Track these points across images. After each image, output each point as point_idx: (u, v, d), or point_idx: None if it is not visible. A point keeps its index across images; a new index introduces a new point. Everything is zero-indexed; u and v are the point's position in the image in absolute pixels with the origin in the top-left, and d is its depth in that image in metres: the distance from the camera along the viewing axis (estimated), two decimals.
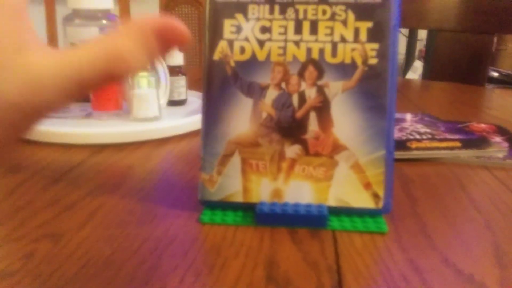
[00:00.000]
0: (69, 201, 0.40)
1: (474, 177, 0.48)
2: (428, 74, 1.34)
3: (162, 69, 0.68)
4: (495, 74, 1.64)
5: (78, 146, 0.55)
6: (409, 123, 0.63)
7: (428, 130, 0.59)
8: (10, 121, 0.22)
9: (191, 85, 0.77)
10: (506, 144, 0.57)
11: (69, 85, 0.23)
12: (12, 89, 0.22)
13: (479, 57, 1.14)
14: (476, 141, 0.56)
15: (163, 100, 0.67)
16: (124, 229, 0.35)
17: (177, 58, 0.71)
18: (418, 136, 0.57)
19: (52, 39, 1.41)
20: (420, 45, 2.57)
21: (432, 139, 0.56)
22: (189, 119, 0.61)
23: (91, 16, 0.69)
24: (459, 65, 1.17)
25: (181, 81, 0.71)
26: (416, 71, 2.22)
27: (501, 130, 0.63)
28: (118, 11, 1.44)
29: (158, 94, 0.62)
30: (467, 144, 0.54)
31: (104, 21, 0.70)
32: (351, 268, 0.31)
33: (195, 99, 0.75)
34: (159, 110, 0.62)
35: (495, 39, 1.13)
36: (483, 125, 0.65)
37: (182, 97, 0.71)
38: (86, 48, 0.23)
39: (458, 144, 0.54)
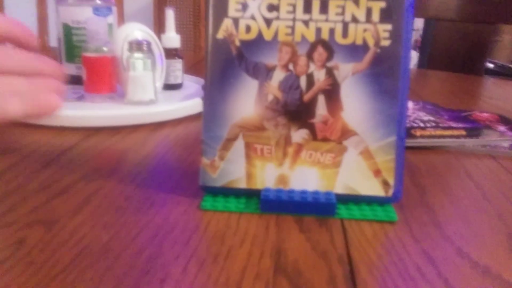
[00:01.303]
0: (62, 185, 0.38)
1: (480, 166, 0.47)
2: (425, 64, 1.33)
3: (158, 51, 0.65)
4: (491, 66, 1.63)
5: (71, 129, 0.52)
6: (412, 111, 0.62)
7: (431, 118, 0.58)
8: None
9: (187, 70, 0.75)
10: (510, 133, 0.55)
11: None
12: None
13: (477, 48, 1.12)
14: (480, 130, 0.54)
15: (159, 84, 0.65)
16: (121, 216, 0.33)
17: (174, 40, 0.68)
18: (421, 124, 0.55)
19: (43, 21, 1.38)
20: (415, 35, 2.56)
21: (436, 127, 0.54)
22: (186, 103, 0.59)
23: None
24: (457, 55, 1.15)
25: (178, 64, 0.68)
26: (411, 61, 2.20)
27: (504, 120, 0.62)
28: None
29: (154, 77, 0.60)
30: (472, 132, 0.53)
31: (98, 1, 0.67)
32: (363, 259, 0.29)
33: (192, 84, 0.73)
34: (155, 94, 0.59)
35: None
36: (485, 114, 0.64)
37: (178, 81, 0.69)
38: None
39: (463, 132, 0.53)
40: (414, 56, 2.22)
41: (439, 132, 0.53)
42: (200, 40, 1.37)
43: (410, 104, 0.66)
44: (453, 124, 0.56)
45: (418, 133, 0.52)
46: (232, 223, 0.33)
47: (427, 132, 0.52)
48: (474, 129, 0.54)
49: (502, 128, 0.58)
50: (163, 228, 0.32)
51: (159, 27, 1.31)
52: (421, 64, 1.62)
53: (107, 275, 0.26)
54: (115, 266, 0.27)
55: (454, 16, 1.14)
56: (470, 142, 0.51)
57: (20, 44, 0.32)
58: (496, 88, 0.92)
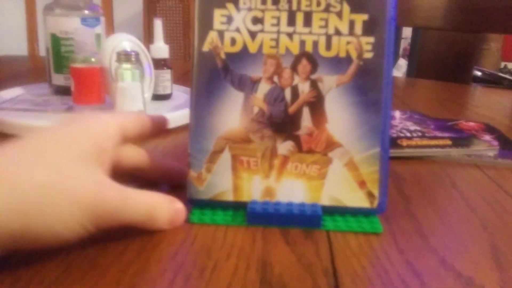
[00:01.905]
0: None
1: (466, 175, 0.47)
2: (413, 72, 1.34)
3: (146, 61, 0.65)
4: (479, 73, 1.65)
5: None
6: (399, 121, 0.62)
7: (418, 128, 0.59)
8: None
9: (176, 80, 0.75)
10: (496, 143, 0.56)
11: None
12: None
13: (464, 56, 1.14)
14: (466, 140, 0.55)
15: (148, 94, 0.65)
16: (107, 231, 0.33)
17: (162, 50, 0.69)
18: (408, 134, 0.56)
19: (32, 29, 1.37)
20: (404, 43, 2.58)
21: (423, 136, 0.55)
22: (175, 114, 0.59)
23: (72, 5, 0.67)
24: (445, 63, 1.17)
25: (166, 74, 0.68)
26: (400, 69, 2.22)
27: (489, 129, 0.63)
28: (100, 1, 1.40)
29: (143, 87, 0.60)
30: (458, 142, 0.54)
31: (86, 11, 0.67)
32: (348, 270, 0.29)
33: (181, 94, 0.73)
34: (144, 104, 0.59)
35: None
36: (472, 123, 0.65)
37: (167, 91, 0.69)
38: (134, 193, 0.31)
39: (448, 142, 0.54)
40: (403, 64, 2.24)
41: (425, 142, 0.53)
42: (190, 49, 1.38)
43: (398, 114, 0.67)
44: (439, 134, 0.56)
45: (404, 143, 0.53)
46: (219, 236, 0.33)
47: (413, 142, 0.53)
48: (460, 138, 0.55)
49: (487, 137, 0.59)
50: (150, 242, 0.32)
51: (149, 36, 1.32)
52: (410, 72, 1.63)
53: None
54: (101, 282, 0.27)
55: (441, 24, 1.16)
56: (455, 152, 0.52)
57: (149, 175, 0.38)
58: (483, 96, 0.93)
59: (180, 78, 0.87)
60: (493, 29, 1.13)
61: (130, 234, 0.32)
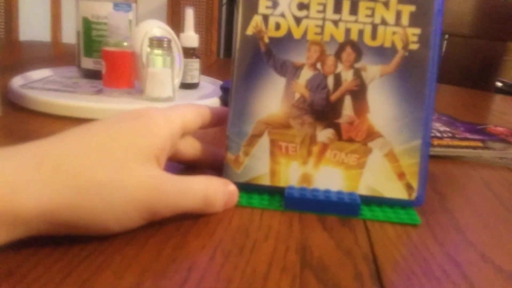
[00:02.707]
0: None
1: (498, 177, 0.47)
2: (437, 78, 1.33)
3: (176, 49, 0.65)
4: (500, 84, 1.63)
5: (89, 121, 0.52)
6: None
7: (447, 129, 0.58)
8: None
9: (202, 71, 0.75)
10: None
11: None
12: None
13: (489, 65, 1.13)
14: (497, 143, 0.54)
15: (176, 81, 0.65)
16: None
17: (192, 39, 0.69)
18: (438, 134, 0.55)
19: (56, 17, 1.38)
20: None
21: (453, 137, 0.55)
22: (203, 101, 0.59)
23: None
24: (469, 71, 1.16)
25: (195, 63, 0.69)
26: None
27: None
28: None
29: (173, 74, 0.60)
30: (488, 144, 0.53)
31: None
32: (388, 258, 0.29)
33: (208, 84, 0.73)
34: (173, 91, 0.60)
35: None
36: (500, 129, 0.64)
37: (195, 80, 0.69)
38: (190, 182, 0.31)
39: (479, 144, 0.53)
40: None
41: (456, 142, 0.53)
42: (212, 44, 1.38)
43: None
44: (469, 136, 0.56)
45: (435, 142, 0.52)
46: (256, 218, 0.33)
47: (444, 142, 0.52)
48: (491, 141, 0.54)
49: None
50: (186, 219, 0.32)
51: (172, 28, 1.32)
52: None
53: (134, 260, 0.26)
54: (142, 253, 0.27)
55: (467, 32, 1.15)
56: (487, 154, 0.51)
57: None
58: (507, 105, 0.92)
59: (204, 71, 0.87)
60: None
61: None
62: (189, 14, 0.70)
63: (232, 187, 0.34)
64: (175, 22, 1.34)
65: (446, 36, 1.20)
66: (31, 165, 0.25)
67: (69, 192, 0.25)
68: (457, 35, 1.17)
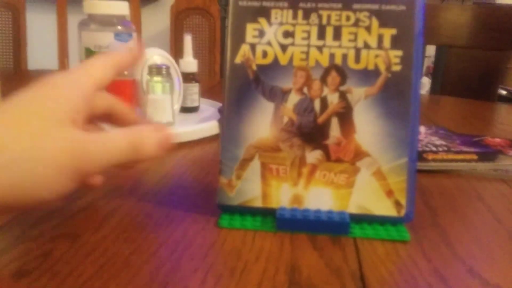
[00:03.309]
0: (84, 202, 0.39)
1: (492, 189, 0.47)
2: (437, 90, 1.34)
3: (176, 75, 0.67)
4: (503, 92, 1.63)
5: None
6: (424, 135, 0.63)
7: (443, 143, 0.59)
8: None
9: (203, 94, 0.77)
10: None
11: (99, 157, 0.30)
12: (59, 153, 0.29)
13: (490, 74, 1.13)
14: (492, 155, 0.55)
15: (177, 106, 0.67)
16: (141, 232, 0.34)
17: (191, 65, 0.71)
18: (434, 148, 0.56)
19: (63, 44, 1.42)
20: (428, 62, 2.58)
21: (448, 151, 0.55)
22: (203, 125, 0.61)
23: (106, 21, 0.69)
24: (470, 81, 1.16)
25: (195, 88, 0.70)
26: (423, 88, 2.22)
27: None
28: (129, 18, 1.45)
29: (172, 100, 0.62)
30: (484, 157, 0.54)
31: (119, 27, 0.70)
32: (375, 276, 0.30)
33: (208, 107, 0.75)
34: (173, 116, 0.61)
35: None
36: (497, 140, 0.65)
37: (195, 104, 0.71)
38: (111, 134, 0.32)
39: (474, 156, 0.54)
40: (426, 82, 2.24)
41: (451, 156, 0.54)
42: (215, 65, 1.40)
43: (423, 129, 0.67)
44: (465, 149, 0.57)
45: (430, 156, 0.53)
46: (248, 240, 0.34)
47: (439, 156, 0.53)
48: (486, 153, 0.55)
49: None
50: (181, 244, 0.33)
51: (175, 53, 1.35)
52: (434, 90, 1.63)
53: (128, 287, 0.27)
54: (136, 279, 0.28)
55: (466, 43, 1.16)
56: (482, 166, 0.52)
57: (120, 119, 0.40)
58: (508, 114, 0.92)
59: (206, 93, 0.89)
60: None
61: (162, 235, 0.34)
62: (188, 41, 0.72)
63: (164, 129, 0.34)
64: (179, 47, 1.37)
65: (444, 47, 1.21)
66: None
67: None
68: (457, 47, 1.18)
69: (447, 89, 1.21)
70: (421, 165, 0.51)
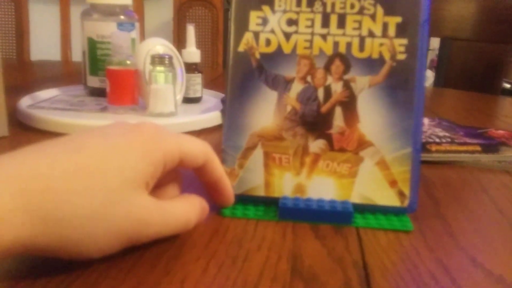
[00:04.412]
0: None
1: (495, 181, 0.47)
2: (441, 83, 1.34)
3: (179, 65, 0.67)
4: (508, 85, 1.62)
5: None
6: (427, 127, 0.62)
7: (447, 134, 0.59)
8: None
9: (205, 85, 0.76)
10: None
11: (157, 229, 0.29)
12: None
13: (493, 67, 1.13)
14: (496, 146, 0.55)
15: (179, 97, 0.67)
16: None
17: (194, 55, 0.70)
18: (437, 140, 0.56)
19: (66, 36, 1.42)
20: (431, 55, 2.57)
21: (452, 142, 0.55)
22: (206, 115, 0.61)
23: (109, 11, 0.69)
24: (474, 74, 1.16)
25: (197, 78, 0.70)
26: (427, 80, 2.21)
27: None
28: (132, 9, 1.44)
29: (175, 90, 0.61)
30: (487, 148, 0.53)
31: (122, 17, 0.70)
32: (378, 265, 0.30)
33: (210, 97, 0.75)
34: (175, 106, 0.61)
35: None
36: (501, 132, 0.64)
37: (198, 95, 0.71)
38: (174, 212, 0.30)
39: (478, 148, 0.53)
40: (430, 75, 2.23)
41: (454, 147, 0.53)
42: (218, 56, 1.40)
43: (426, 121, 0.67)
44: (469, 140, 0.56)
45: (433, 148, 0.53)
46: (250, 229, 0.34)
47: (442, 147, 0.53)
48: (490, 145, 0.55)
49: None
50: (183, 232, 0.33)
51: (178, 43, 1.34)
52: (437, 83, 1.62)
53: (130, 274, 0.27)
54: (137, 265, 0.28)
55: (470, 35, 1.15)
56: (485, 158, 0.51)
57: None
58: (511, 107, 0.92)
59: (209, 84, 0.89)
60: None
61: None
62: (190, 31, 0.71)
63: (205, 204, 0.33)
64: (182, 37, 1.36)
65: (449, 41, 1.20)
66: (13, 189, 0.24)
67: (51, 223, 0.24)
68: (460, 39, 1.17)
69: (451, 82, 1.20)
70: (425, 156, 0.51)
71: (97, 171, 0.26)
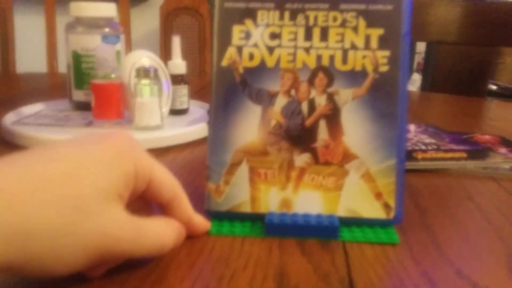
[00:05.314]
0: None
1: (482, 188, 0.47)
2: (428, 86, 1.34)
3: (164, 77, 0.67)
4: (494, 87, 1.64)
5: None
6: (413, 134, 0.63)
7: (433, 141, 0.59)
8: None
9: (192, 95, 0.76)
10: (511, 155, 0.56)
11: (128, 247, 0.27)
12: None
13: (479, 70, 1.14)
14: (482, 152, 0.55)
15: (165, 109, 0.67)
16: None
17: (180, 66, 0.70)
18: (423, 147, 0.56)
19: (52, 47, 1.41)
20: (418, 58, 2.59)
21: (438, 149, 0.55)
22: (192, 128, 0.60)
23: (93, 24, 0.69)
24: (460, 77, 1.17)
25: (184, 90, 0.70)
26: (414, 84, 2.22)
27: (505, 142, 0.63)
28: (118, 20, 1.44)
29: (161, 102, 0.61)
30: (473, 155, 0.54)
31: (106, 29, 0.69)
32: (364, 280, 0.30)
33: (197, 108, 0.74)
34: (161, 119, 0.61)
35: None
36: (487, 136, 0.65)
37: (184, 106, 0.70)
38: (148, 231, 0.29)
39: (464, 155, 0.54)
40: (417, 78, 2.24)
41: (440, 154, 0.53)
42: (205, 65, 1.40)
43: (413, 127, 0.67)
44: (454, 147, 0.56)
45: (419, 155, 0.53)
46: (236, 247, 0.33)
47: (428, 155, 0.53)
48: (475, 151, 0.55)
49: (503, 150, 0.58)
50: (169, 252, 0.32)
51: (165, 53, 1.34)
52: (424, 86, 1.63)
53: None
54: None
55: (455, 39, 1.16)
56: (471, 164, 0.52)
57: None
58: (498, 110, 0.93)
59: (196, 94, 0.89)
60: (506, 43, 1.13)
61: None
62: (176, 42, 0.71)
63: (182, 229, 0.32)
64: (168, 47, 1.36)
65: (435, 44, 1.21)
66: None
67: (18, 237, 0.23)
68: (446, 43, 1.18)
69: (438, 85, 1.21)
70: (411, 165, 0.51)
71: (69, 179, 0.25)
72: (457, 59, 1.17)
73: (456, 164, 0.52)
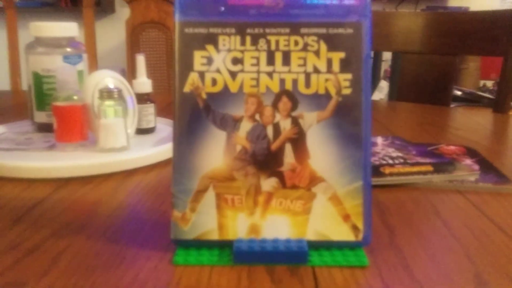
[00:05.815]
0: (31, 244, 0.37)
1: (448, 202, 0.48)
2: (394, 94, 1.37)
3: (129, 96, 0.66)
4: (459, 93, 1.68)
5: (41, 181, 0.52)
6: (381, 147, 0.63)
7: (400, 154, 0.60)
8: None
9: (160, 112, 0.75)
10: (477, 167, 0.57)
11: None
12: None
13: (443, 78, 1.16)
14: (447, 165, 0.56)
15: (131, 129, 0.65)
16: (90, 276, 0.33)
17: (145, 85, 0.69)
18: (390, 161, 0.57)
19: (14, 64, 1.37)
20: (385, 65, 2.64)
21: (404, 163, 0.56)
22: (158, 149, 0.59)
23: (54, 43, 0.67)
24: (425, 85, 1.19)
25: (150, 108, 0.69)
26: (382, 91, 2.26)
27: (470, 152, 0.64)
28: (83, 36, 1.41)
29: (126, 123, 0.60)
30: (439, 168, 0.55)
31: (68, 49, 0.68)
32: None
33: (164, 126, 0.73)
34: (127, 140, 0.60)
35: (457, 60, 1.16)
36: (452, 147, 0.66)
37: (151, 125, 0.69)
38: None
39: (430, 168, 0.55)
40: (384, 86, 2.28)
41: (407, 169, 0.54)
42: (175, 78, 1.39)
43: (380, 140, 0.68)
44: (421, 160, 0.57)
45: (387, 170, 0.53)
46: (204, 277, 0.33)
47: (395, 170, 0.54)
48: (441, 164, 0.56)
49: (468, 161, 0.60)
50: (133, 286, 0.31)
51: (132, 67, 1.32)
52: (391, 94, 1.66)
53: None
54: None
55: (419, 48, 1.18)
56: (437, 178, 0.53)
57: None
58: (463, 118, 0.95)
59: (164, 109, 0.87)
60: (468, 51, 1.16)
61: (112, 278, 0.32)
62: (140, 61, 0.70)
63: None
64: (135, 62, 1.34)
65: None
66: None
67: None
68: (410, 52, 1.20)
69: (404, 92, 1.23)
70: (378, 180, 0.51)
71: None
72: (422, 68, 1.19)
73: (423, 178, 0.52)
